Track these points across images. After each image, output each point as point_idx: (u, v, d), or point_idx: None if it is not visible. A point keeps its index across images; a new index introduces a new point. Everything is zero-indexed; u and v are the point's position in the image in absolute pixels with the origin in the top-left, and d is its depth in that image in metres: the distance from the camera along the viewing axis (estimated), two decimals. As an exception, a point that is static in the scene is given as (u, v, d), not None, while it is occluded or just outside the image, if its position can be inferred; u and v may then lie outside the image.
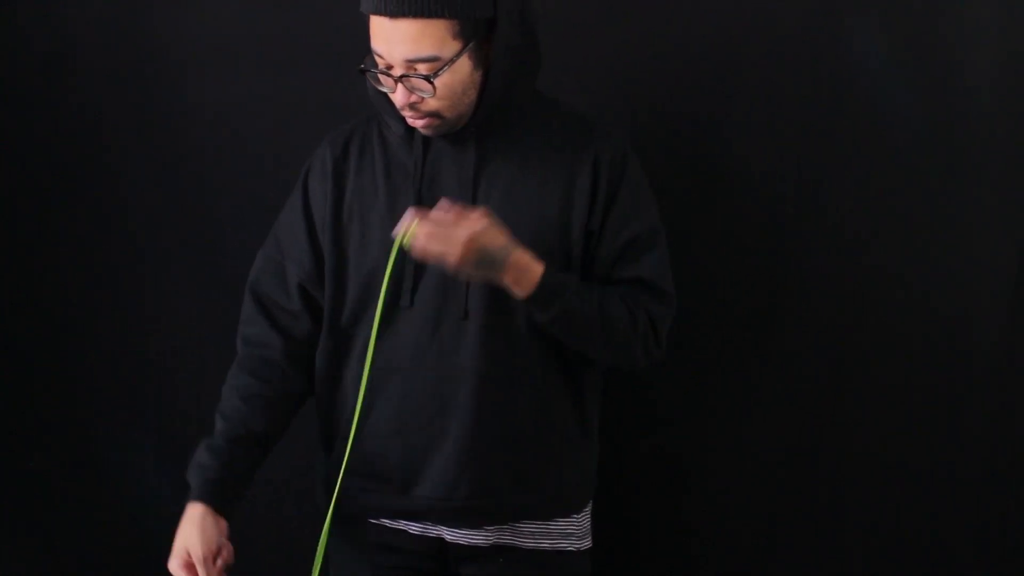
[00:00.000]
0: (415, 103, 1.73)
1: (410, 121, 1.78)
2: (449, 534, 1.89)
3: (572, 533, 1.93)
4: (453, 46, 1.69)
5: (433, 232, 1.67)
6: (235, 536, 2.48)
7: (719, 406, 2.34)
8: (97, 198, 2.44)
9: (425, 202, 1.80)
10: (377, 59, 1.73)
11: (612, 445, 2.06)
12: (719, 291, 2.30)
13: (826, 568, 2.37)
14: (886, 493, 2.32)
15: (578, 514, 1.95)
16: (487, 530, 1.88)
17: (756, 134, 2.24)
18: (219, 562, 1.78)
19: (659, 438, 2.37)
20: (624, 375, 2.25)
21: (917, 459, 2.30)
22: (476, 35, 1.72)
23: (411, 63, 1.69)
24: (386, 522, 1.91)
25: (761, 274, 2.29)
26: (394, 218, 1.76)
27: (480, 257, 1.68)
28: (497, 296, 1.77)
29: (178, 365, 2.47)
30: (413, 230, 1.68)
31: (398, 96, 1.73)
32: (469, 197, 1.80)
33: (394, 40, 1.68)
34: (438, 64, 1.69)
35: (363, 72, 1.76)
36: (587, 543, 1.98)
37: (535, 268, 1.74)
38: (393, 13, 1.66)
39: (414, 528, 1.90)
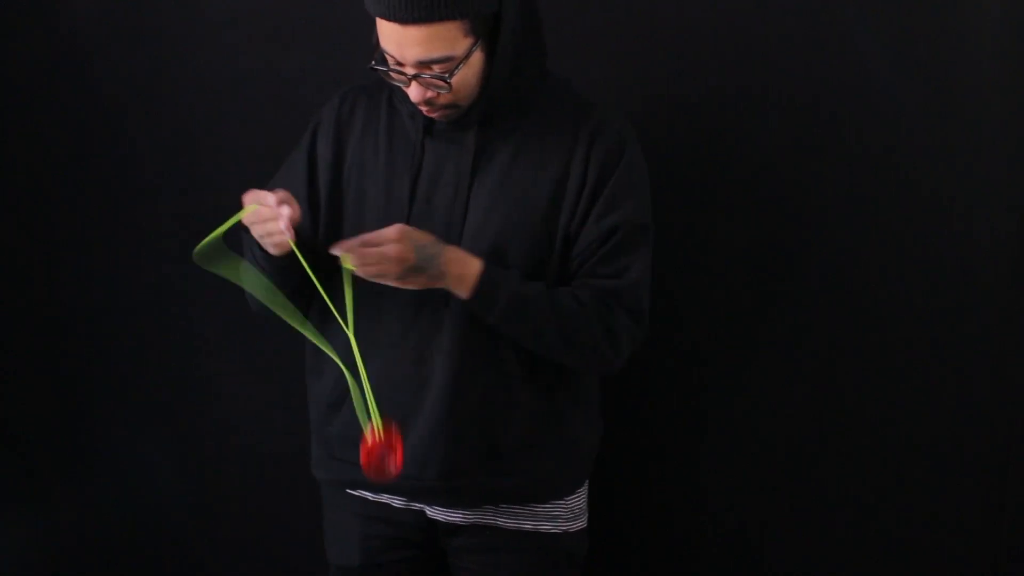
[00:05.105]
0: (431, 99, 1.72)
1: (426, 113, 1.77)
2: (430, 510, 1.89)
3: (558, 516, 1.91)
4: (465, 43, 1.68)
5: (364, 257, 1.66)
6: (236, 523, 2.50)
7: (716, 399, 2.35)
8: (108, 195, 2.44)
9: (421, 186, 1.80)
10: (387, 57, 1.71)
11: (608, 436, 2.05)
12: (717, 285, 2.30)
13: (818, 555, 2.38)
14: (882, 489, 2.32)
15: (568, 497, 1.93)
16: (463, 510, 1.88)
17: (755, 131, 2.24)
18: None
19: (657, 433, 2.38)
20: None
21: (913, 456, 2.30)
22: (486, 27, 1.71)
23: (424, 64, 1.68)
24: (367, 495, 1.91)
25: (758, 269, 2.29)
26: (390, 201, 1.77)
27: (418, 256, 1.67)
28: None
29: (189, 364, 2.47)
30: (348, 264, 1.67)
31: (413, 93, 1.71)
32: (466, 182, 1.79)
33: (405, 44, 1.66)
34: (452, 63, 1.68)
35: (373, 70, 1.74)
36: (579, 524, 1.95)
37: (472, 263, 1.73)
38: (403, 20, 1.63)
39: (397, 502, 1.91)
